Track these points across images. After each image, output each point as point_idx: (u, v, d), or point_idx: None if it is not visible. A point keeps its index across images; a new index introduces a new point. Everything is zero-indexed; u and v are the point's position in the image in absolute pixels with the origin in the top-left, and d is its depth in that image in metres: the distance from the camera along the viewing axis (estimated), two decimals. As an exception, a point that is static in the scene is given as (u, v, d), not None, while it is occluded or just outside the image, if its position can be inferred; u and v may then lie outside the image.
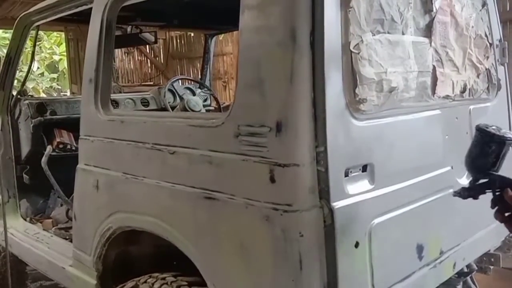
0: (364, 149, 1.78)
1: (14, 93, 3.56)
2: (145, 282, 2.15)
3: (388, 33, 1.86)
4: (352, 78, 1.69)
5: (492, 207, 1.42)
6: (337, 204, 1.65)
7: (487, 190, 1.45)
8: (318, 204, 1.64)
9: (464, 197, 1.50)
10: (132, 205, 2.24)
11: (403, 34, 1.93)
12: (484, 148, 1.45)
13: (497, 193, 1.41)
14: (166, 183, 2.03)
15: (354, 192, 1.73)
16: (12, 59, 3.44)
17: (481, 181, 1.48)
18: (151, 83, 8.87)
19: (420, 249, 2.01)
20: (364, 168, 1.78)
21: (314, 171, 1.63)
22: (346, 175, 1.71)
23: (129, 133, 2.27)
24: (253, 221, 1.70)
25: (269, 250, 1.66)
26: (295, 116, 1.61)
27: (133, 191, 2.22)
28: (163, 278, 2.14)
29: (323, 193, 1.65)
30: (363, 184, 1.77)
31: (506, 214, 1.41)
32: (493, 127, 1.45)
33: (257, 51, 1.71)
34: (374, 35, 1.79)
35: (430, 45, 2.07)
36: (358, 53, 1.70)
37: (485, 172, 1.45)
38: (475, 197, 1.52)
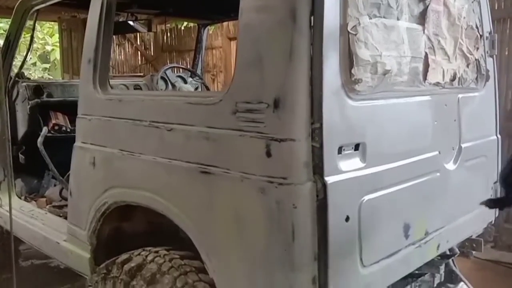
0: (357, 129, 1.85)
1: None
2: (139, 254, 2.21)
3: (384, 17, 1.93)
4: (348, 58, 1.76)
5: None
6: (330, 179, 1.71)
7: None
8: (312, 178, 1.70)
9: (490, 207, 1.55)
10: (128, 180, 2.29)
11: (398, 19, 2.01)
12: None
13: None
14: (163, 159, 2.09)
15: (347, 169, 1.80)
16: (11, 43, 3.48)
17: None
18: (141, 74, 8.87)
19: (406, 228, 2.09)
20: (357, 147, 1.85)
21: (309, 146, 1.70)
22: (340, 152, 1.78)
23: (126, 111, 2.32)
24: (248, 193, 1.76)
25: (263, 221, 1.73)
26: (293, 93, 1.67)
27: (130, 167, 2.28)
28: (156, 252, 2.20)
29: (317, 168, 1.71)
30: (355, 162, 1.84)
31: None
32: None
33: (257, 29, 1.77)
34: (371, 18, 1.86)
35: (423, 33, 2.14)
36: (355, 35, 1.76)
37: None
38: (501, 208, 1.58)
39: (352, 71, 1.76)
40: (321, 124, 1.69)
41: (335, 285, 1.75)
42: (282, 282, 1.71)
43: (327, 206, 1.70)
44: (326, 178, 1.71)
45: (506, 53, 5.38)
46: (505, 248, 4.88)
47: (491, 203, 1.56)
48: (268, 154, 1.70)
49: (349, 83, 1.77)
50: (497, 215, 2.83)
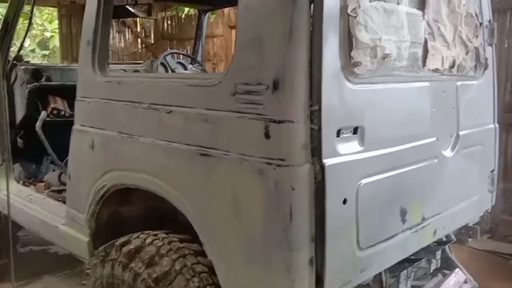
0: (356, 112, 1.85)
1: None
2: (138, 237, 2.22)
3: (384, 1, 1.93)
4: (348, 41, 1.76)
5: None
6: (328, 162, 1.72)
7: None
8: (310, 160, 1.71)
9: None
10: (127, 163, 2.30)
11: (398, 4, 2.01)
12: None
13: None
14: (162, 141, 2.09)
15: (345, 152, 1.81)
16: (9, 25, 3.46)
17: None
18: (141, 62, 8.85)
19: (403, 212, 2.10)
20: (355, 131, 1.86)
21: (307, 128, 1.70)
22: (338, 135, 1.79)
23: (125, 93, 2.32)
24: (246, 175, 1.77)
25: (262, 202, 1.74)
26: (292, 74, 1.68)
27: (129, 150, 2.28)
28: (155, 235, 2.21)
29: (315, 150, 1.72)
30: (353, 146, 1.85)
31: None
32: None
33: (257, 10, 1.76)
34: (371, 1, 1.86)
35: (423, 18, 2.14)
36: (355, 17, 1.76)
37: None
38: None
39: (352, 53, 1.76)
40: (320, 107, 1.69)
41: (332, 267, 1.76)
42: (279, 263, 1.72)
43: (325, 188, 1.71)
44: (324, 161, 1.72)
45: (506, 45, 5.38)
46: (502, 239, 4.92)
47: None
48: (267, 135, 1.71)
49: (349, 66, 1.78)
50: (493, 203, 2.85)
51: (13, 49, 3.77)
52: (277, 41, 1.71)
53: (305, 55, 1.68)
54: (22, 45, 3.80)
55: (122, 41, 10.14)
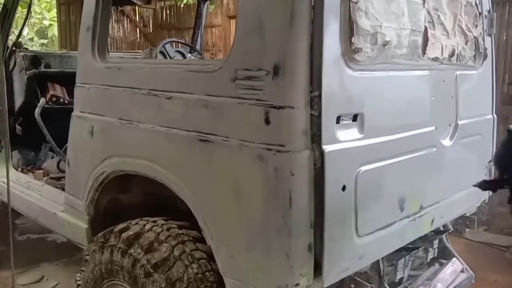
0: (356, 99, 1.86)
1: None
2: (137, 224, 2.23)
3: None
4: (349, 27, 1.76)
5: (508, 202, 1.46)
6: (327, 148, 1.73)
7: (505, 186, 1.49)
8: (310, 146, 1.72)
9: (483, 189, 1.55)
10: (126, 149, 2.30)
11: None
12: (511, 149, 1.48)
13: None
14: (162, 127, 2.09)
15: (344, 139, 1.81)
16: (8, 11, 3.45)
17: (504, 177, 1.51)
18: (139, 51, 8.82)
19: (402, 201, 2.11)
20: (355, 118, 1.86)
21: (307, 114, 1.71)
22: (338, 122, 1.79)
23: (125, 79, 2.32)
24: (246, 161, 1.78)
25: (261, 188, 1.74)
26: (293, 60, 1.68)
27: (128, 136, 2.28)
28: (154, 221, 2.22)
29: (315, 137, 1.73)
30: (353, 133, 1.86)
31: None
32: None
33: None
34: None
35: (423, 6, 2.14)
36: (356, 3, 1.76)
37: (508, 170, 1.48)
38: (494, 190, 1.57)
39: (352, 40, 1.76)
40: (320, 93, 1.70)
41: (330, 253, 1.77)
42: (278, 248, 1.73)
43: (324, 175, 1.72)
44: (324, 147, 1.72)
45: (504, 37, 5.38)
46: (498, 231, 4.94)
47: (484, 185, 1.56)
48: (267, 121, 1.71)
49: (349, 52, 1.78)
50: (490, 194, 2.86)
51: (12, 38, 3.75)
52: (278, 26, 1.70)
53: (305, 40, 1.68)
54: (21, 31, 3.78)
55: (120, 30, 10.11)
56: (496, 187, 1.57)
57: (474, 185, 1.55)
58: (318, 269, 1.77)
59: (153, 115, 2.14)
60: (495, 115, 2.83)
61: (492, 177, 1.96)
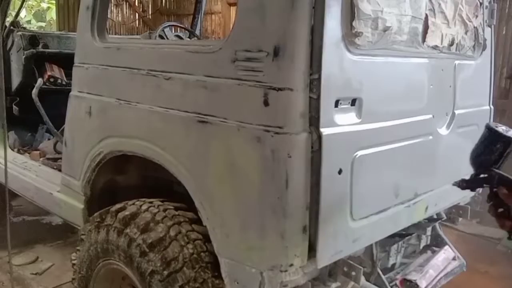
0: (355, 84, 1.86)
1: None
2: (133, 204, 2.24)
3: None
4: (350, 10, 1.76)
5: (488, 201, 1.46)
6: (325, 131, 1.73)
7: (485, 185, 1.48)
8: (308, 129, 1.72)
9: (462, 188, 1.54)
10: (124, 129, 2.30)
11: None
12: (490, 146, 1.47)
13: (494, 190, 1.44)
14: (160, 108, 2.09)
15: (342, 123, 1.82)
16: None
17: (482, 176, 1.51)
18: (138, 36, 8.79)
19: (396, 187, 2.13)
20: (353, 102, 1.87)
21: (306, 97, 1.71)
22: (336, 105, 1.79)
23: (124, 59, 2.31)
24: (244, 142, 1.78)
25: (258, 169, 1.75)
26: (293, 42, 1.68)
27: (126, 116, 2.28)
28: (150, 202, 2.23)
29: (313, 120, 1.73)
30: (351, 117, 1.86)
31: (499, 210, 1.45)
32: (502, 128, 1.48)
33: None
34: None
35: None
36: None
37: (486, 168, 1.48)
38: (473, 189, 1.57)
39: (353, 23, 1.76)
40: (320, 75, 1.70)
41: (325, 235, 1.79)
42: (273, 229, 1.74)
43: (321, 158, 1.73)
44: (322, 130, 1.73)
45: (504, 31, 5.38)
46: (490, 223, 4.97)
47: (463, 184, 1.55)
48: (266, 103, 1.71)
49: (350, 36, 1.78)
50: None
51: (9, 19, 3.73)
52: (280, 7, 1.70)
53: (306, 22, 1.67)
54: (19, 11, 3.75)
55: (119, 14, 10.06)
56: (475, 186, 1.56)
57: (453, 184, 1.55)
58: (312, 250, 1.78)
59: (152, 96, 2.14)
60: (491, 106, 2.84)
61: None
